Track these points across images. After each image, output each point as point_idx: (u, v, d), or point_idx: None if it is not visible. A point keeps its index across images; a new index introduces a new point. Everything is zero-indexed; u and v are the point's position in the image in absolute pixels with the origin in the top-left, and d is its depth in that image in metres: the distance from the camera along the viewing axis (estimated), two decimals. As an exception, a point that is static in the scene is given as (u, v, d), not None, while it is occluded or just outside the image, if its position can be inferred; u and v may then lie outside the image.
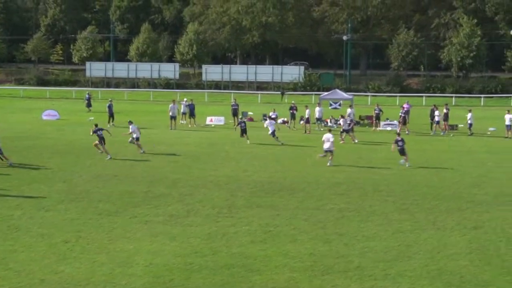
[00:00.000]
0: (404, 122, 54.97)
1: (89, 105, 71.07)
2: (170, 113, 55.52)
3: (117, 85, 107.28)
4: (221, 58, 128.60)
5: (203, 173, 35.45)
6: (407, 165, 38.21)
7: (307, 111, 55.02)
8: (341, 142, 47.72)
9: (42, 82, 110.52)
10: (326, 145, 38.75)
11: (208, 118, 60.84)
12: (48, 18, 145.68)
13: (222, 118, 60.93)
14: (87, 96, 72.85)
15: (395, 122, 56.38)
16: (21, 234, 23.53)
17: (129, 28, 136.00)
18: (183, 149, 43.71)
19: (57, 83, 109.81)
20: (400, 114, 56.01)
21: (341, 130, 49.86)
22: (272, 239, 23.21)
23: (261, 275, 19.66)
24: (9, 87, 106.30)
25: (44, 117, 62.94)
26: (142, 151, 41.70)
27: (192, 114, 57.97)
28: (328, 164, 38.12)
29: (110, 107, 57.90)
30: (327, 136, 38.93)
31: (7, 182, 32.28)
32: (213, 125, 58.79)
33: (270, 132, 47.21)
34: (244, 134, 47.75)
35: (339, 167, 37.55)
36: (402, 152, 39.03)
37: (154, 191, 30.67)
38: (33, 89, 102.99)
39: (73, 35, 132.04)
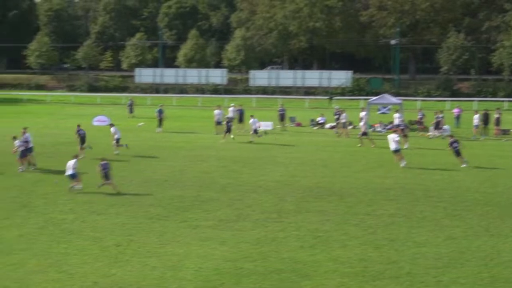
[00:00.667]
0: (436, 126, 54.53)
1: (131, 110, 71.89)
2: (216, 119, 55.72)
3: (165, 91, 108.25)
4: (269, 63, 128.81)
5: (252, 178, 35.48)
6: (464, 165, 38.08)
7: (343, 115, 54.93)
8: (359, 145, 47.56)
9: (92, 89, 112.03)
10: (392, 146, 38.84)
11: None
12: (98, 26, 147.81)
13: (270, 123, 60.91)
14: (129, 102, 73.81)
15: (446, 127, 55.75)
16: (74, 237, 23.84)
17: (177, 34, 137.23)
18: (233, 154, 43.82)
19: (107, 89, 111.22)
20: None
21: (360, 133, 49.16)
22: (321, 244, 23.11)
23: (311, 280, 19.58)
24: (60, 93, 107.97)
25: (95, 123, 63.70)
26: (117, 152, 43.35)
27: (241, 119, 58.04)
28: (402, 165, 38.19)
29: (160, 112, 58.36)
30: (392, 136, 39.08)
31: (59, 186, 32.72)
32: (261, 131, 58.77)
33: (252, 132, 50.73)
34: (228, 133, 50.38)
35: (388, 172, 37.25)
36: (457, 153, 38.69)
37: (203, 196, 30.80)
38: (84, 95, 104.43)
39: (122, 42, 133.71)
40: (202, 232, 24.64)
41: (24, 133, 38.43)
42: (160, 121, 57.84)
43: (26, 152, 37.54)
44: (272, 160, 41.65)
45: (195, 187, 32.80)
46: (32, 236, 23.88)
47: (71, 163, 32.11)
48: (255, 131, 51.16)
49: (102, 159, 32.47)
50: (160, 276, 19.89)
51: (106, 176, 31.79)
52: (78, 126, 43.82)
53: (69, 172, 32.01)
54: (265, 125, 60.28)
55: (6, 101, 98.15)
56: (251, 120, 52.03)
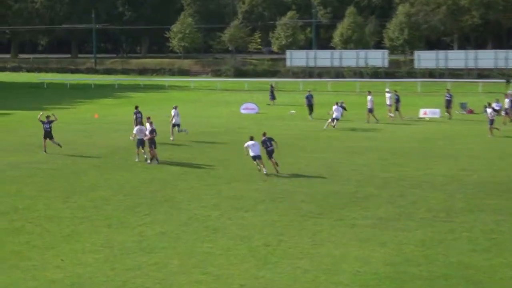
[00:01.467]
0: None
1: (272, 97, 72.40)
2: (368, 105, 55.23)
3: (319, 75, 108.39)
4: (436, 43, 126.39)
5: (416, 172, 35.00)
6: None
7: (506, 100, 53.24)
8: None
9: (239, 73, 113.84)
10: None
11: (422, 111, 59.94)
12: (246, 4, 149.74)
13: (437, 110, 59.81)
14: (270, 87, 74.25)
15: None
16: (219, 236, 24.35)
17: (333, 12, 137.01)
18: (393, 146, 43.38)
19: (255, 74, 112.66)
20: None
21: None
22: (497, 248, 22.49)
23: (484, 288, 19.16)
24: (205, 79, 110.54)
25: (243, 111, 64.74)
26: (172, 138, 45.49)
27: (397, 108, 57.22)
28: None
29: (308, 98, 58.67)
30: None
31: (203, 180, 33.53)
32: (427, 118, 57.88)
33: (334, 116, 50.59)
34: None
35: None
36: None
37: (362, 192, 30.68)
38: (230, 80, 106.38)
39: (272, 22, 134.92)
40: (360, 232, 24.55)
41: (148, 122, 39.20)
42: (310, 108, 58.11)
43: (142, 142, 38.36)
44: (439, 152, 40.90)
45: (352, 182, 32.72)
46: (175, 234, 24.60)
47: (250, 143, 34.72)
48: (333, 120, 51.26)
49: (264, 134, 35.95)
50: (312, 279, 19.99)
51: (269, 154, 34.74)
52: (136, 108, 47.39)
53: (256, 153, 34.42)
54: (431, 112, 59.28)
55: (148, 87, 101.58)
56: (334, 107, 51.51)
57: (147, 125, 39.09)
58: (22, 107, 69.47)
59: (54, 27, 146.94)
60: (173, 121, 46.51)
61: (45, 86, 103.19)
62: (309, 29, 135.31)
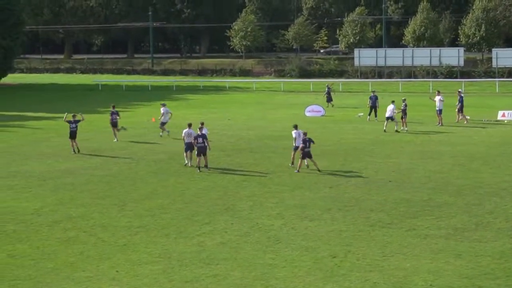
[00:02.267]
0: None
1: (329, 99, 72.09)
2: (438, 106, 54.94)
3: (389, 75, 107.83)
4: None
5: (494, 178, 34.60)
6: None
7: None
8: None
9: (304, 74, 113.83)
10: None
11: (500, 113, 59.22)
12: (311, 0, 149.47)
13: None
14: (327, 88, 73.90)
15: None
16: (282, 246, 24.39)
17: (405, 7, 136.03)
18: (469, 150, 42.93)
19: (321, 74, 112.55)
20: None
21: None
22: None
23: None
24: (268, 80, 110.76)
25: (308, 114, 64.72)
26: (161, 134, 49.78)
27: (461, 109, 56.83)
28: None
29: (372, 98, 58.60)
30: None
31: (265, 187, 33.61)
32: (505, 121, 57.16)
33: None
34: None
35: None
36: None
37: (435, 200, 30.44)
38: (294, 81, 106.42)
39: (339, 19, 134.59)
40: (434, 242, 24.37)
41: (200, 128, 39.08)
42: (374, 110, 58.22)
43: (191, 146, 38.73)
44: (520, 157, 40.41)
45: (425, 189, 32.49)
46: (236, 244, 24.73)
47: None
48: (388, 118, 51.55)
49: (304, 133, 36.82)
50: (382, 294, 19.93)
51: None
52: (113, 107, 49.99)
53: None
54: (510, 115, 58.49)
55: (207, 89, 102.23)
56: (389, 106, 52.07)
57: (200, 130, 38.93)
58: (77, 110, 70.34)
59: (110, 26, 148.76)
60: (162, 119, 50.46)
61: (100, 88, 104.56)
62: (378, 26, 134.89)
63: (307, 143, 36.47)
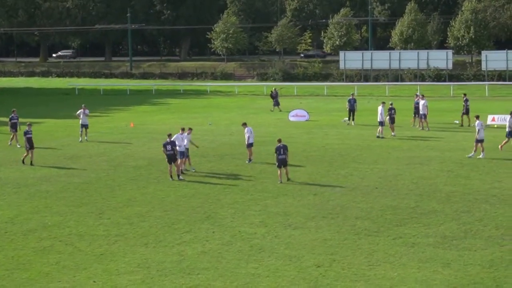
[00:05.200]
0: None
1: (276, 103, 72.96)
2: (421, 111, 55.66)
3: (376, 79, 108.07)
4: (505, 42, 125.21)
5: (484, 185, 34.73)
6: None
7: None
8: None
9: (288, 77, 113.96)
10: None
11: (490, 117, 59.41)
12: (295, 1, 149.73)
13: (508, 117, 59.08)
14: (274, 91, 74.98)
15: None
16: (265, 255, 24.43)
17: (391, 9, 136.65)
18: (458, 156, 43.05)
19: (305, 78, 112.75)
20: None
21: None
22: None
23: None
24: (250, 83, 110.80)
25: (291, 118, 64.74)
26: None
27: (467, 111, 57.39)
28: None
29: (350, 102, 59.37)
30: None
31: (248, 195, 33.65)
32: (495, 126, 57.37)
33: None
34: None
35: None
36: None
37: (423, 207, 30.53)
38: (278, 85, 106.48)
39: (324, 20, 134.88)
40: (421, 251, 24.46)
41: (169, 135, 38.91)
42: (352, 114, 59.38)
43: (182, 153, 38.80)
44: (510, 163, 40.51)
45: (412, 196, 32.59)
46: (217, 253, 24.76)
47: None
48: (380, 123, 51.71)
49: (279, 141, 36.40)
50: (368, 304, 19.99)
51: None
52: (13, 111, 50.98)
53: None
54: (501, 119, 58.62)
55: (188, 93, 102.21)
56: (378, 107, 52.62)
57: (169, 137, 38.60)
58: (53, 115, 70.41)
59: (87, 28, 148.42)
60: (81, 121, 51.22)
61: (76, 92, 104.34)
62: (364, 27, 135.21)
63: (282, 150, 36.08)
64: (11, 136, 50.37)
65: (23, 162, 42.41)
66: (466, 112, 57.31)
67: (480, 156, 41.90)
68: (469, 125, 55.63)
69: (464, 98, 57.86)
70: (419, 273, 22.20)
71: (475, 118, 43.88)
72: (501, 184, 34.88)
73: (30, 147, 42.51)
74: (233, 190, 34.62)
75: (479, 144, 42.21)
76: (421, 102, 55.40)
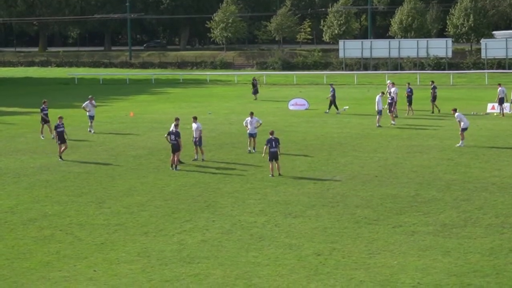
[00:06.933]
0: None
1: (255, 91, 73.36)
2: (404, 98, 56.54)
3: (375, 67, 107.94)
4: (505, 30, 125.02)
5: (483, 173, 34.73)
6: None
7: None
8: None
9: (287, 66, 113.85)
10: None
11: (489, 105, 59.43)
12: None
13: (507, 104, 59.20)
14: (253, 80, 75.58)
15: None
16: (265, 244, 24.43)
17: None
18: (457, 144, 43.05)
19: (305, 67, 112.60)
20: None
21: None
22: None
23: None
24: (250, 72, 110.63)
25: (291, 107, 64.71)
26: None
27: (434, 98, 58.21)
28: None
29: (332, 91, 60.22)
30: None
31: (248, 184, 33.65)
32: (495, 114, 57.36)
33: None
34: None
35: None
36: None
37: (423, 195, 30.54)
38: (277, 74, 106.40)
39: (323, 9, 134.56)
40: (421, 239, 24.47)
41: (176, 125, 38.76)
42: (331, 103, 60.07)
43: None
44: (509, 151, 40.48)
45: (412, 185, 32.59)
46: (217, 242, 24.76)
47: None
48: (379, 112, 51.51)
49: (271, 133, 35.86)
50: (368, 292, 20.01)
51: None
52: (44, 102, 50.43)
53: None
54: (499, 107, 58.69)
55: (187, 82, 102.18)
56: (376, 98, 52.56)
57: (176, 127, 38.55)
58: (52, 105, 70.25)
59: (86, 18, 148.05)
60: (88, 113, 51.37)
61: (76, 82, 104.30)
62: (364, 16, 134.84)
63: (273, 143, 35.48)
64: (41, 128, 49.74)
65: (60, 158, 40.95)
66: (433, 99, 57.74)
67: (459, 144, 41.92)
68: (432, 112, 56.07)
69: (432, 86, 58.19)
70: (419, 261, 22.20)
71: (452, 112, 43.61)
72: (500, 172, 34.88)
73: (61, 141, 41.02)
74: (233, 179, 34.62)
75: (464, 133, 42.28)
76: (392, 90, 55.52)
